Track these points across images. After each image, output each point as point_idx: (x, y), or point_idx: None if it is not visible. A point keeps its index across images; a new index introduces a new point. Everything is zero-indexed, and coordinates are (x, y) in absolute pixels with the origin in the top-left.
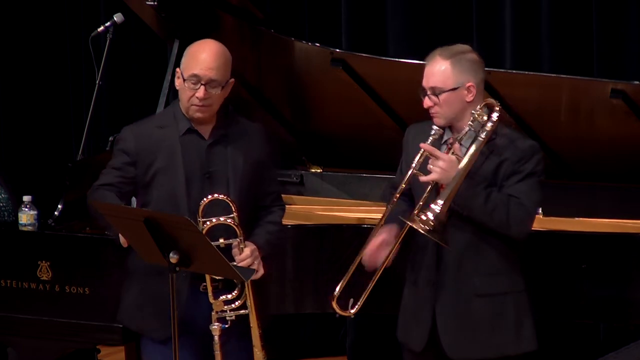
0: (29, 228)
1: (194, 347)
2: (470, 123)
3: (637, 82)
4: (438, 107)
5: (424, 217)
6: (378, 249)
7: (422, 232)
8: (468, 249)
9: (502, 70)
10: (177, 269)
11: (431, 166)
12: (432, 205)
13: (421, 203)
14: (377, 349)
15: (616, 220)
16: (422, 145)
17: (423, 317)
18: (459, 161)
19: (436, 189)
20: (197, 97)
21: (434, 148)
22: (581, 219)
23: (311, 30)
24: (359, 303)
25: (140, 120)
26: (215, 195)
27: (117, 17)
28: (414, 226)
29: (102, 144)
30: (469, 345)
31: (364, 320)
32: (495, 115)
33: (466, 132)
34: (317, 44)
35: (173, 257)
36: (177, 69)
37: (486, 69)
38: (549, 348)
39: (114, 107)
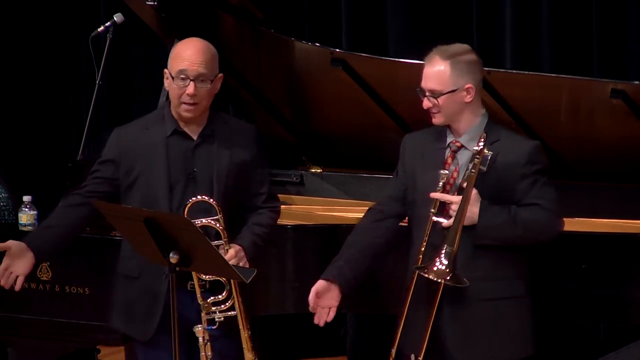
0: (29, 228)
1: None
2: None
3: (637, 82)
4: (437, 108)
5: (439, 267)
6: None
7: (442, 281)
8: (473, 255)
9: (502, 70)
10: (177, 269)
11: (451, 211)
12: (442, 253)
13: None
14: (377, 349)
15: (616, 220)
16: (432, 194)
17: (425, 324)
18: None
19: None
20: (187, 94)
21: (443, 194)
22: (581, 219)
23: (311, 30)
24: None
25: (132, 120)
26: (199, 197)
27: (117, 17)
28: (430, 277)
29: (102, 144)
30: (475, 349)
31: (364, 320)
32: (481, 144)
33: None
34: (317, 44)
35: (173, 257)
36: (165, 70)
37: (486, 68)
38: (549, 348)
39: (114, 107)
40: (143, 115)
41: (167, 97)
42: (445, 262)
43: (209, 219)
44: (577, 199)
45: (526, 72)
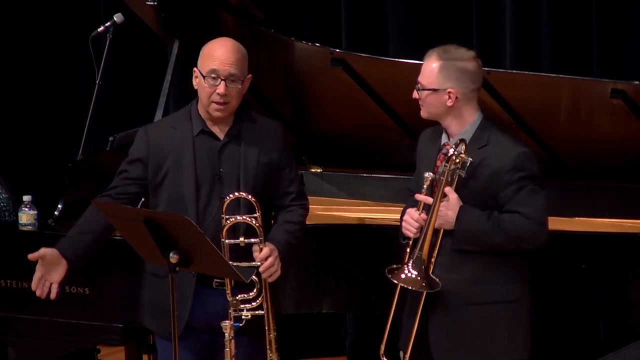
0: (29, 228)
1: (200, 346)
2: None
3: (637, 82)
4: (421, 102)
5: (407, 274)
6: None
7: (413, 288)
8: (458, 257)
9: (502, 70)
10: (177, 269)
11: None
12: (411, 260)
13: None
14: (377, 349)
15: (616, 220)
16: (416, 196)
17: (413, 324)
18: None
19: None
20: (217, 94)
21: (425, 197)
22: (581, 219)
23: (311, 30)
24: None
25: (158, 120)
26: (237, 193)
27: (117, 17)
28: (401, 284)
29: (102, 144)
30: (456, 352)
31: (364, 320)
32: (451, 150)
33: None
34: (317, 44)
35: (173, 257)
36: (195, 69)
37: (486, 69)
38: (550, 348)
39: (114, 107)
40: (142, 115)
41: (167, 96)
42: (414, 270)
43: (245, 216)
44: (577, 199)
45: (526, 72)
